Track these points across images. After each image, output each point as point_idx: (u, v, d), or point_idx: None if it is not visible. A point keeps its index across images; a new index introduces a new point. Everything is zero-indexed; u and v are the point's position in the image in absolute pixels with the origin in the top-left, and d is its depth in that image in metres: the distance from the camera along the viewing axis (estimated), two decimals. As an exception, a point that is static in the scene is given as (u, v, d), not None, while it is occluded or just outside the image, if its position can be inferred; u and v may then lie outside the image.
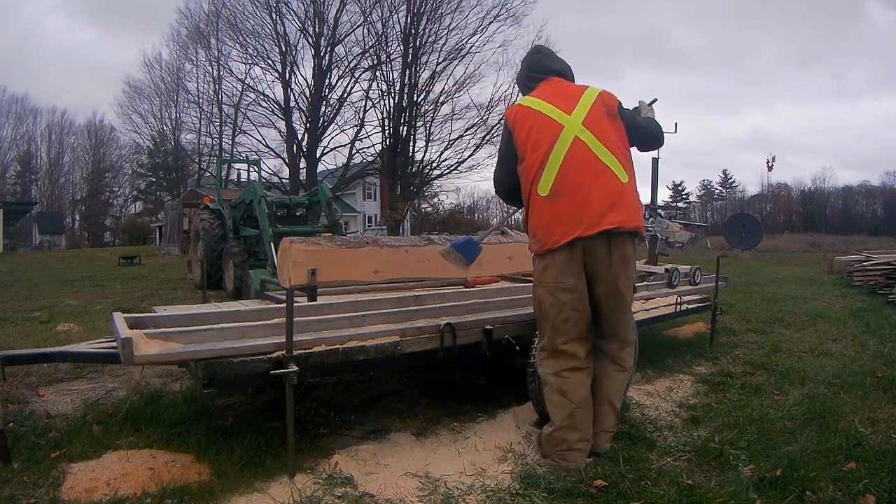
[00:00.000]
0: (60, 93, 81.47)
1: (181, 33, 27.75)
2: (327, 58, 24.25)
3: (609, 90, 2.62)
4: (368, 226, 33.99)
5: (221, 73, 26.54)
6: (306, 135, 24.83)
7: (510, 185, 2.65)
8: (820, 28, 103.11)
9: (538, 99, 2.56)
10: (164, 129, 35.32)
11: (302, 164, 24.96)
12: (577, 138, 2.42)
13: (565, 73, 2.72)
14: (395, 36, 24.46)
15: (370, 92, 24.73)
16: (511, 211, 3.16)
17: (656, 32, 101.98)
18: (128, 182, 50.37)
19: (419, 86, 24.96)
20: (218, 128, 28.14)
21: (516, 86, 2.79)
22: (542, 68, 2.72)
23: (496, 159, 2.70)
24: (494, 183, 2.73)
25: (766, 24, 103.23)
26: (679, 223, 8.06)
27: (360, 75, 24.61)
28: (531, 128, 2.49)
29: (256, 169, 13.33)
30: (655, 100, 2.85)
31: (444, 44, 24.59)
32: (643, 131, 2.65)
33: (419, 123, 25.58)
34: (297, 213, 9.15)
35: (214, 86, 27.50)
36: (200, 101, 28.55)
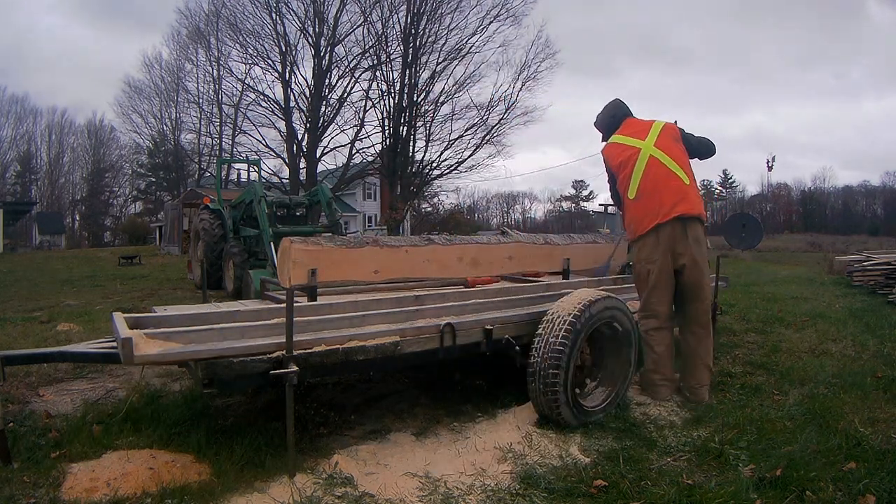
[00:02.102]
0: (60, 93, 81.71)
1: (181, 33, 27.86)
2: (327, 58, 24.29)
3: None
4: (368, 226, 34.00)
5: (221, 73, 26.65)
6: (306, 135, 24.83)
7: (615, 196, 3.68)
8: (821, 28, 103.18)
9: (619, 135, 3.57)
10: (164, 129, 35.41)
11: (302, 164, 24.96)
12: (652, 156, 3.38)
13: (632, 115, 3.70)
14: (395, 36, 24.53)
15: (370, 92, 24.79)
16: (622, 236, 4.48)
17: (656, 32, 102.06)
18: (128, 182, 50.51)
19: (419, 86, 25.00)
20: (218, 128, 28.23)
21: (595, 128, 3.82)
22: (622, 113, 3.68)
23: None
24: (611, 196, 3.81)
25: (766, 23, 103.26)
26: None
27: (360, 75, 24.67)
28: (619, 156, 3.49)
29: (256, 169, 13.31)
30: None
31: (444, 44, 24.68)
32: (701, 147, 3.63)
33: (419, 123, 25.64)
34: (297, 213, 9.14)
35: (214, 86, 27.61)
36: (200, 101, 28.64)
